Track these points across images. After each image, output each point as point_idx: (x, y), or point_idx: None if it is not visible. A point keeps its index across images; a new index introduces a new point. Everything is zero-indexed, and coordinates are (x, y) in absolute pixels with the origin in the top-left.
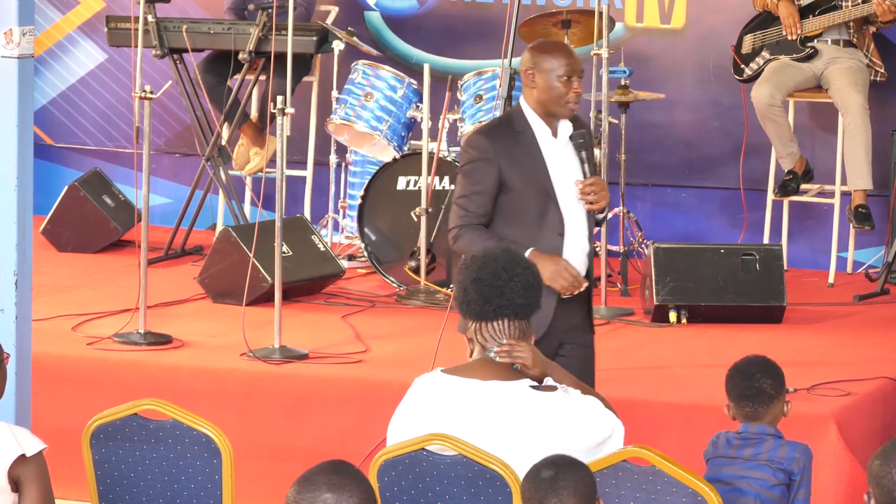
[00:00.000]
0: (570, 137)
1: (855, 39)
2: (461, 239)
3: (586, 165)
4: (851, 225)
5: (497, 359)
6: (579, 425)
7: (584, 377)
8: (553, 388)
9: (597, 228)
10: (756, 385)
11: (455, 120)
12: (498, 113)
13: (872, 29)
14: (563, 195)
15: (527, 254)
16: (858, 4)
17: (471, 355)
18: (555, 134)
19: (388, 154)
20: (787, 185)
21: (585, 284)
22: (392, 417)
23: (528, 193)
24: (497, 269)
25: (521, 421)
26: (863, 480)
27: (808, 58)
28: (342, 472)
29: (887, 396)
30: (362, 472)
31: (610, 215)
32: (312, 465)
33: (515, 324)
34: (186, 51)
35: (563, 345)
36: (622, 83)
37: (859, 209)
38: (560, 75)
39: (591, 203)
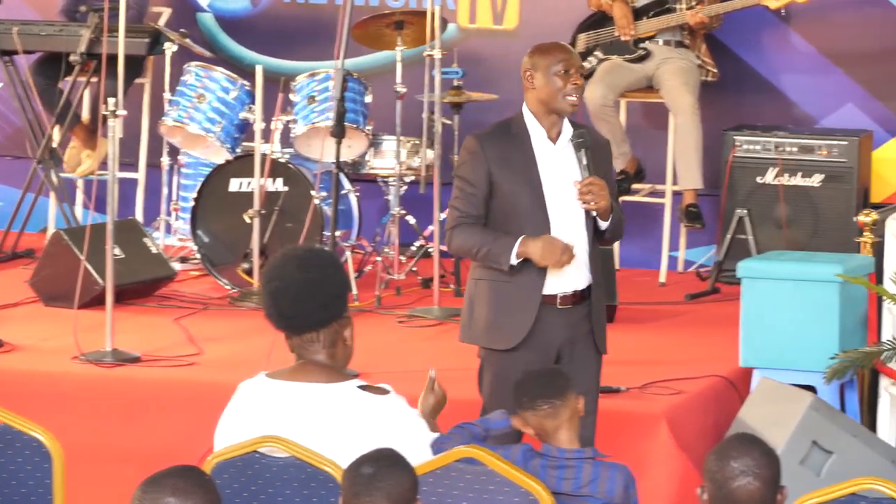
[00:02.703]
0: (570, 139)
1: (687, 40)
2: (455, 239)
3: (584, 166)
4: (682, 224)
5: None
6: (405, 431)
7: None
8: (384, 392)
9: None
10: (545, 377)
11: (288, 121)
12: (331, 114)
13: (703, 30)
14: (555, 199)
15: (517, 242)
16: (693, 7)
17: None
18: (554, 139)
19: (220, 156)
20: (619, 185)
21: (573, 246)
22: (218, 423)
23: (519, 196)
24: (289, 298)
25: (347, 422)
26: (695, 478)
27: (641, 59)
28: (189, 479)
29: (718, 395)
30: (213, 480)
31: (604, 225)
32: (147, 469)
33: (325, 331)
34: (17, 52)
35: (561, 357)
36: (455, 84)
37: (690, 208)
38: (557, 70)
39: (588, 203)
